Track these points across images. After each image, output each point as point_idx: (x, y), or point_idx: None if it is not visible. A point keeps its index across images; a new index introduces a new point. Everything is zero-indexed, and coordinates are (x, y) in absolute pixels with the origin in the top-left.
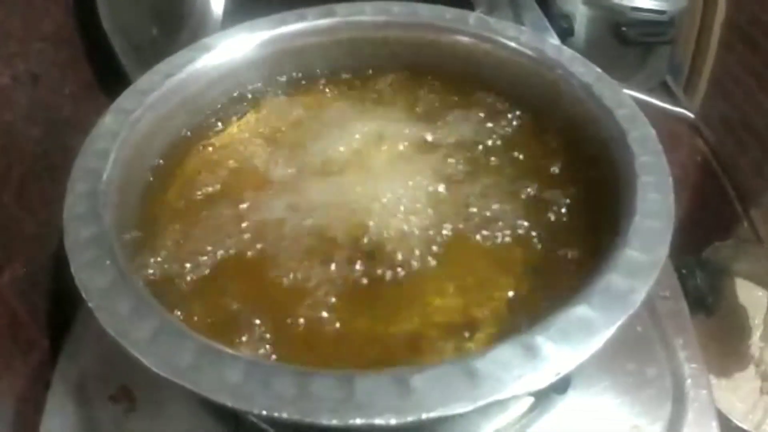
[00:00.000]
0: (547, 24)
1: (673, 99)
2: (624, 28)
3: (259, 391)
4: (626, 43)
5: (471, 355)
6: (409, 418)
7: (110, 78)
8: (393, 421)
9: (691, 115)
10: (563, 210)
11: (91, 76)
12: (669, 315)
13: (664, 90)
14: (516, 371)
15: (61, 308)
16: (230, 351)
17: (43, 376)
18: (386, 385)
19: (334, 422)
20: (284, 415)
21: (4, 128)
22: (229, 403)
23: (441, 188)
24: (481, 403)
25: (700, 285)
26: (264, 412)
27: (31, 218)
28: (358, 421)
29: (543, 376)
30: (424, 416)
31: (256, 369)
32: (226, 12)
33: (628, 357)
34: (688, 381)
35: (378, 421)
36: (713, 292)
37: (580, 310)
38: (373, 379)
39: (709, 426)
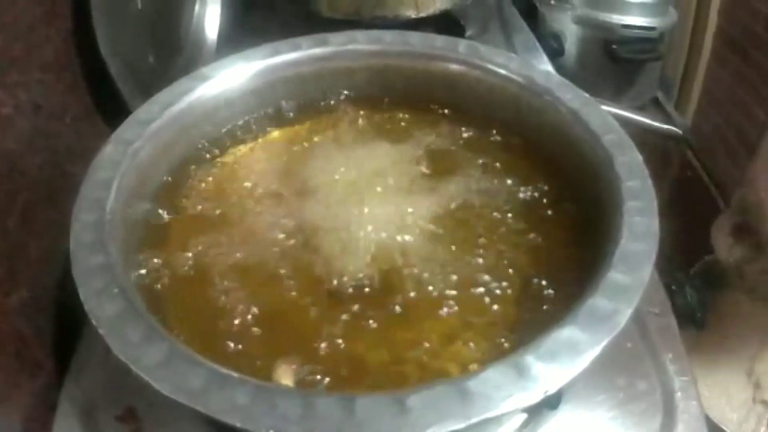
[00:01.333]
0: (538, 45)
1: (665, 114)
2: (614, 46)
3: (266, 412)
4: (617, 61)
5: (463, 376)
6: None
7: (108, 105)
8: None
9: (681, 132)
10: (549, 232)
11: (90, 103)
12: (658, 330)
13: (656, 106)
14: (506, 390)
15: (66, 331)
16: (237, 375)
17: (49, 397)
18: (384, 406)
19: None
20: None
21: (7, 156)
22: (239, 424)
23: (431, 212)
24: (473, 420)
25: (690, 300)
26: None
27: (36, 243)
28: None
29: (532, 394)
30: None
31: (263, 392)
32: (220, 38)
33: (619, 372)
34: (678, 394)
35: None
36: (703, 307)
37: (568, 332)
38: (372, 399)
39: None
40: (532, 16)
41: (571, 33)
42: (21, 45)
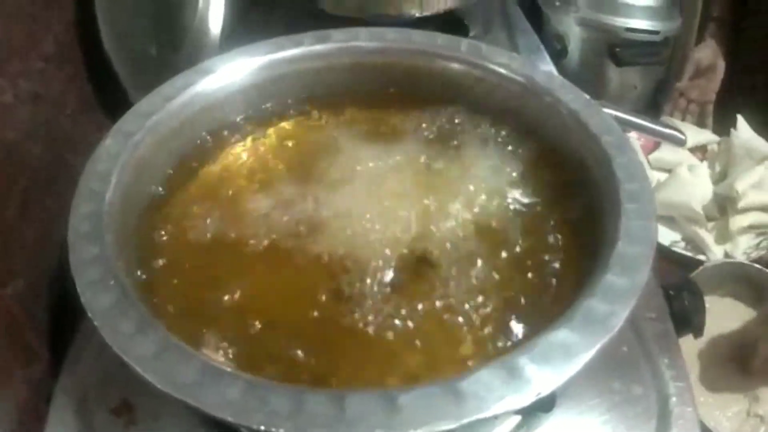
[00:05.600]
0: (541, 45)
1: (667, 119)
2: (618, 49)
3: (257, 407)
4: (620, 64)
5: (456, 377)
6: None
7: (109, 97)
8: None
9: (684, 137)
10: (547, 234)
11: (91, 94)
12: (655, 336)
13: (658, 110)
14: (498, 391)
15: (62, 321)
16: (230, 370)
17: (44, 388)
18: (375, 403)
19: None
20: (281, 431)
21: (6, 146)
22: (230, 419)
23: (430, 205)
24: (464, 420)
25: (688, 306)
26: (262, 428)
27: (33, 232)
28: None
29: (525, 396)
30: None
31: (255, 387)
32: (223, 31)
33: (614, 376)
34: (673, 399)
35: None
36: (700, 313)
37: (562, 334)
38: (363, 397)
39: None
40: (535, 17)
41: (574, 35)
42: (22, 33)
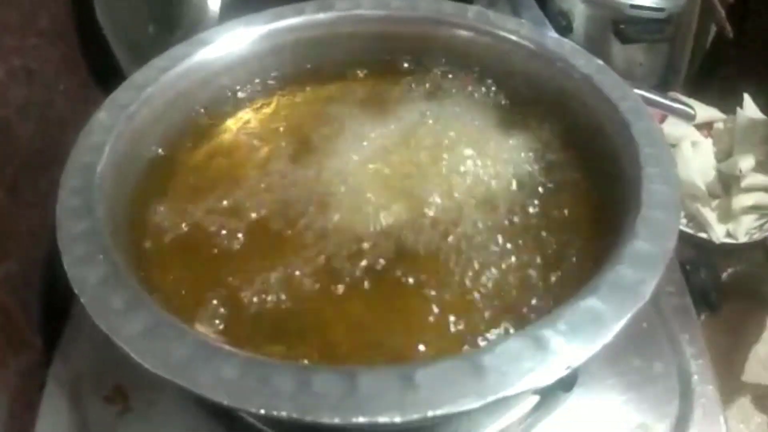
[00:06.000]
0: (546, 21)
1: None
2: (622, 26)
3: (256, 388)
4: (625, 41)
5: (477, 350)
6: (415, 416)
7: (105, 76)
8: (398, 419)
9: (693, 112)
10: (565, 203)
11: (86, 73)
12: (674, 311)
13: (664, 87)
14: (524, 365)
15: (55, 307)
16: (227, 347)
17: (36, 375)
18: (390, 381)
19: (336, 421)
20: (282, 414)
21: None
22: (225, 402)
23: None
24: (489, 399)
25: (705, 281)
26: (262, 411)
27: (25, 215)
28: (361, 420)
29: (553, 370)
30: (430, 413)
31: (254, 365)
32: (222, 9)
33: (634, 353)
34: (695, 377)
35: (382, 419)
36: (718, 288)
37: (590, 302)
38: (376, 374)
39: (717, 422)
40: None
41: (579, 12)
42: (16, 10)
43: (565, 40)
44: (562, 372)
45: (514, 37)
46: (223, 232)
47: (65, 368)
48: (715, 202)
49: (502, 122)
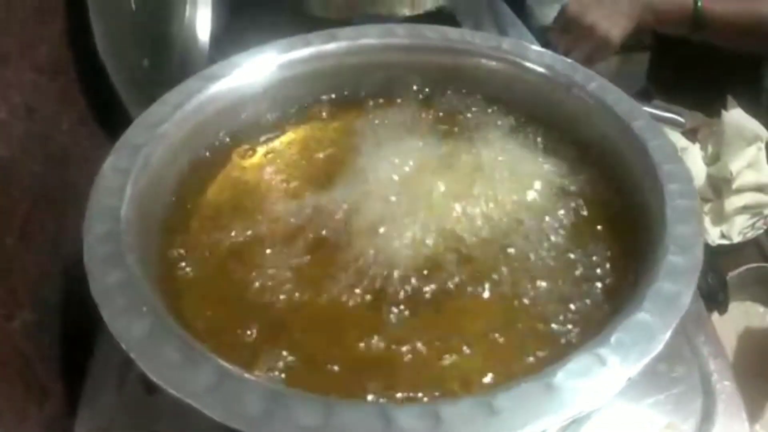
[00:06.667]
0: (533, 38)
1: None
2: None
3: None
4: None
5: (546, 371)
6: None
7: (105, 111)
8: None
9: (682, 120)
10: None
11: (86, 108)
12: (689, 314)
13: (644, 97)
14: (591, 380)
15: (74, 353)
16: (296, 391)
17: (60, 425)
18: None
19: None
20: None
21: (3, 164)
22: None
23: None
24: (569, 417)
25: (712, 284)
26: None
27: (36, 260)
28: None
29: (616, 381)
30: None
31: (333, 409)
32: (211, 39)
33: (657, 358)
34: (715, 375)
35: None
36: (724, 290)
37: (640, 317)
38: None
39: (739, 416)
40: (519, 10)
41: None
42: (14, 43)
43: (575, 63)
44: (623, 383)
45: (527, 63)
46: (251, 265)
47: (92, 416)
48: (707, 206)
49: (517, 147)
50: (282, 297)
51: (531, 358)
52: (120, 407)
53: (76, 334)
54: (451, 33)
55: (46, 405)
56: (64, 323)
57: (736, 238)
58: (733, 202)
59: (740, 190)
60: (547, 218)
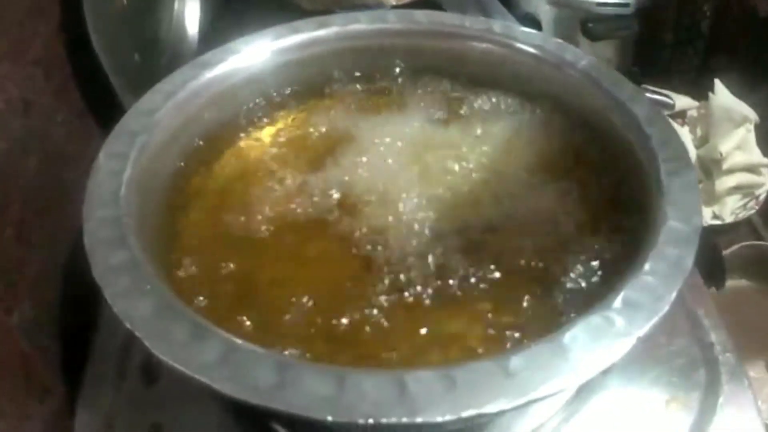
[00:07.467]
0: (518, 25)
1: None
2: (590, 24)
3: (356, 401)
4: (594, 39)
5: (555, 333)
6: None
7: (101, 106)
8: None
9: (672, 101)
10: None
11: (82, 103)
12: (687, 287)
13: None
14: (602, 341)
15: (73, 350)
16: (309, 363)
17: (60, 423)
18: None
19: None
20: (382, 421)
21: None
22: (330, 418)
23: (471, 185)
24: (582, 379)
25: (707, 260)
26: (370, 421)
27: (33, 257)
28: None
29: (626, 341)
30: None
31: (346, 377)
32: (200, 32)
33: (657, 331)
34: (717, 347)
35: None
36: (720, 266)
37: (644, 279)
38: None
39: (742, 385)
40: None
41: (545, 14)
42: (8, 39)
43: (577, 49)
44: (633, 342)
45: (515, 43)
46: (253, 247)
47: (94, 413)
48: (698, 187)
49: (515, 127)
50: (284, 276)
51: (534, 326)
52: (120, 402)
53: (73, 332)
54: (442, 17)
55: (47, 403)
56: (63, 322)
57: (729, 218)
58: (724, 183)
59: (731, 171)
60: (543, 190)
